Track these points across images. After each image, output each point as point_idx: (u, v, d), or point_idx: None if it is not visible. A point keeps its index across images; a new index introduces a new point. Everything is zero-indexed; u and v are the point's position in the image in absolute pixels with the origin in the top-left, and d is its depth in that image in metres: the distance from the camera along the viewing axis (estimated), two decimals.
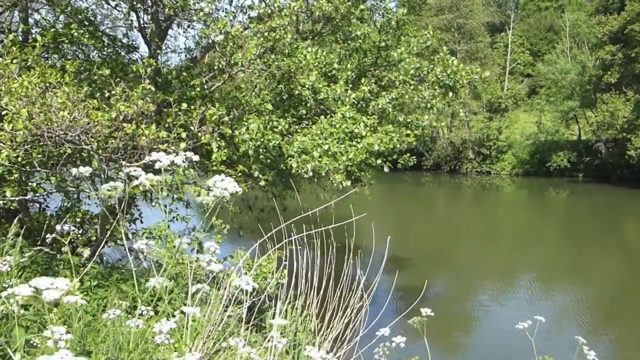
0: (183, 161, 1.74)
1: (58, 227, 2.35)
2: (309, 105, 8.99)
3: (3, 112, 5.86)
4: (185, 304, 2.07)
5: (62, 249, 2.35)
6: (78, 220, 8.62)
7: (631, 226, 27.12)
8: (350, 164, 7.83)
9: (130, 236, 8.13)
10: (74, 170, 1.96)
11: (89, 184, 7.07)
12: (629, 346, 11.61)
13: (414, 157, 8.89)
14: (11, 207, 6.99)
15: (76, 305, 1.87)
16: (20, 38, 8.16)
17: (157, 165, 1.75)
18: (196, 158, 1.83)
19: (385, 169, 8.45)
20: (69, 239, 2.26)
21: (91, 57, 9.39)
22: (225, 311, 2.37)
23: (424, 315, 2.53)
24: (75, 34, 8.01)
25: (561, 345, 5.77)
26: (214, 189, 1.71)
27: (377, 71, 9.99)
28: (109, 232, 7.36)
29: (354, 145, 8.01)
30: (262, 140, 7.98)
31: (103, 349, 2.31)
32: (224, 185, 1.72)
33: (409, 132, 8.83)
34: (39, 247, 4.62)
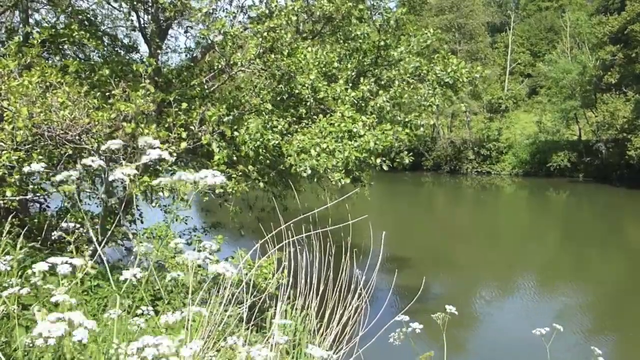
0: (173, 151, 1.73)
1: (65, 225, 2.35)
2: (308, 104, 8.99)
3: (3, 113, 5.87)
4: (184, 304, 2.07)
5: (68, 246, 2.35)
6: (79, 220, 8.61)
7: (632, 226, 27.11)
8: (347, 161, 7.82)
9: (130, 236, 8.14)
10: (77, 166, 1.95)
11: (90, 184, 7.06)
12: (629, 346, 11.61)
13: (410, 154, 8.86)
14: (11, 207, 6.98)
15: (75, 305, 1.87)
16: (22, 38, 8.17)
17: (143, 159, 1.74)
18: (156, 142, 1.81)
19: (384, 167, 8.45)
20: (73, 238, 2.27)
21: (91, 57, 9.40)
22: (225, 311, 2.38)
23: (448, 311, 2.54)
24: (76, 35, 8.01)
25: (561, 345, 5.77)
26: (199, 179, 1.69)
27: (376, 70, 9.99)
28: (109, 232, 7.35)
29: (351, 143, 8.00)
30: (261, 140, 7.99)
31: (103, 348, 2.32)
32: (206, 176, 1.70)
33: (407, 130, 8.83)
34: (33, 244, 4.61)
